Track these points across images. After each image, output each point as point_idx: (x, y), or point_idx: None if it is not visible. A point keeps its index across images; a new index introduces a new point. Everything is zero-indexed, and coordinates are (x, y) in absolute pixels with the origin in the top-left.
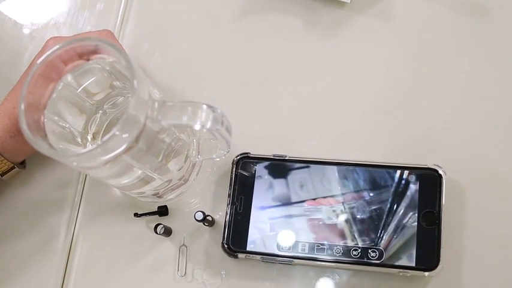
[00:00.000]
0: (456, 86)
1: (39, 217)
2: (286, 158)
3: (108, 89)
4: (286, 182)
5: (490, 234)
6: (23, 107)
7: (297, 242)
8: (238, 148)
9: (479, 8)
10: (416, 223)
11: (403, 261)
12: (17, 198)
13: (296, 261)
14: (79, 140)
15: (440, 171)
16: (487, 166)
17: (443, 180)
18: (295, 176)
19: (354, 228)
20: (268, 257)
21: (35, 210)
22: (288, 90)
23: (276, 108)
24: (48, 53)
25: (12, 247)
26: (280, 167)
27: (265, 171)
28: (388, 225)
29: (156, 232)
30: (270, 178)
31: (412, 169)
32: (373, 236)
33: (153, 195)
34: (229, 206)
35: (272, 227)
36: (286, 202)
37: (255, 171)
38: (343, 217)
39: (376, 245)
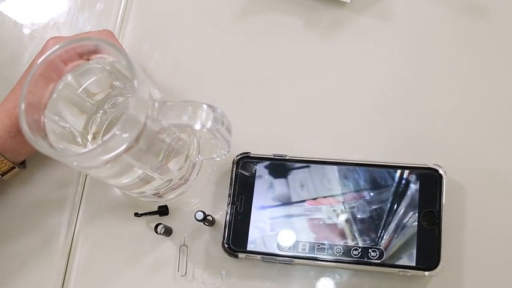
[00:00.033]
0: (456, 86)
1: (40, 217)
2: (287, 157)
3: (108, 89)
4: (287, 182)
5: (490, 234)
6: (23, 107)
7: (297, 242)
8: (239, 148)
9: (479, 8)
10: (416, 223)
11: (403, 261)
12: (18, 198)
13: (296, 261)
14: (79, 139)
15: (441, 171)
16: (487, 166)
17: (444, 180)
18: (295, 176)
19: (354, 227)
20: (268, 256)
21: (35, 210)
22: (288, 90)
23: (276, 108)
24: (48, 53)
25: (12, 247)
26: (280, 167)
27: (266, 171)
28: (389, 224)
29: (157, 232)
30: (270, 178)
31: (412, 169)
32: (373, 235)
33: (154, 195)
34: (230, 205)
35: (272, 227)
36: (287, 202)
37: (256, 171)
38: (343, 217)
39: (377, 244)
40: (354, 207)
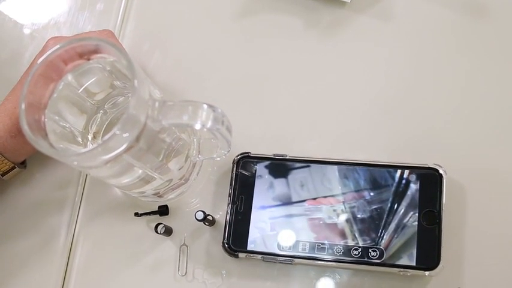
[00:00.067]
0: (456, 86)
1: (40, 217)
2: (287, 157)
3: (108, 89)
4: (287, 182)
5: (490, 233)
6: (23, 106)
7: (297, 242)
8: (239, 148)
9: (480, 8)
10: (416, 222)
11: (403, 261)
12: (18, 198)
13: (297, 260)
14: (80, 139)
15: (441, 171)
16: (487, 166)
17: (444, 180)
18: (295, 176)
19: (355, 227)
20: (268, 256)
21: (35, 210)
22: (288, 90)
23: (276, 108)
24: (48, 52)
25: (12, 247)
26: (280, 167)
27: (266, 171)
28: (389, 224)
29: (157, 232)
30: (271, 178)
31: (412, 168)
32: (373, 235)
33: (154, 194)
34: (230, 205)
35: (273, 227)
36: (287, 202)
37: (256, 170)
38: (343, 216)
39: (377, 244)
40: (354, 207)
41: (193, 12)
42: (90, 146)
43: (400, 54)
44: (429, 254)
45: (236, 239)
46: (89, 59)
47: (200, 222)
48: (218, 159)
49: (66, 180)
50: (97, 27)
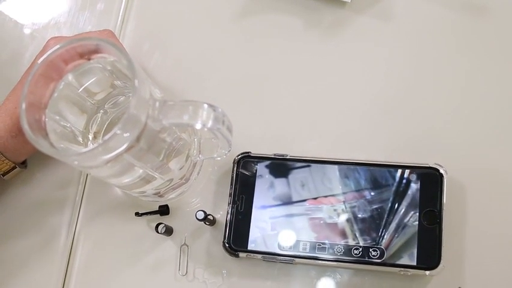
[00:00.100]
0: (456, 86)
1: (41, 217)
2: (287, 157)
3: (109, 89)
4: (287, 181)
5: (491, 233)
6: (24, 106)
7: (298, 241)
8: (239, 147)
9: (479, 8)
10: (417, 222)
11: (404, 260)
12: (18, 198)
13: (297, 260)
14: (80, 139)
15: (441, 170)
16: (487, 165)
17: (444, 179)
18: (296, 175)
19: (355, 227)
20: (269, 256)
21: (36, 209)
22: (288, 90)
23: (277, 108)
24: (49, 52)
25: (13, 247)
26: (281, 166)
27: (266, 171)
28: (389, 224)
29: (157, 231)
30: (271, 177)
31: (413, 168)
32: (374, 235)
33: (154, 194)
34: (230, 205)
35: (273, 226)
36: (287, 201)
37: (256, 170)
38: (344, 216)
39: (377, 244)
40: (354, 206)
41: (194, 12)
42: (90, 146)
43: (400, 54)
44: (430, 254)
45: (237, 238)
46: (89, 59)
47: (201, 222)
48: (219, 159)
49: (67, 180)
50: (97, 27)
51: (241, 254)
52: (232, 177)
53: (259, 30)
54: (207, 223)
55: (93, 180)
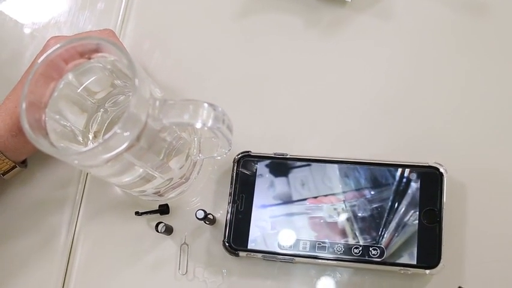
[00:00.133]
0: (456, 86)
1: (41, 216)
2: (287, 156)
3: (109, 88)
4: (287, 181)
5: (491, 232)
6: (24, 106)
7: (298, 240)
8: (239, 147)
9: (480, 7)
10: (417, 221)
11: (404, 259)
12: (18, 198)
13: (297, 259)
14: (80, 138)
15: (442, 169)
16: (487, 165)
17: (444, 178)
18: (296, 175)
19: (355, 226)
20: (269, 255)
21: (36, 209)
22: (288, 89)
23: (277, 108)
24: (49, 52)
25: (13, 246)
26: (281, 166)
27: (266, 170)
28: (389, 223)
29: (157, 231)
30: (271, 176)
31: (413, 167)
32: (374, 234)
33: (154, 193)
34: (230, 204)
35: (273, 225)
36: (287, 200)
37: (256, 169)
38: (344, 215)
39: (377, 243)
40: (354, 205)
41: (194, 12)
42: (90, 145)
43: (400, 54)
44: (430, 253)
45: (237, 237)
46: (89, 58)
47: (201, 221)
48: (219, 158)
49: (67, 179)
50: (97, 27)
51: (241, 253)
52: (232, 176)
53: (259, 29)
54: (207, 222)
55: (93, 179)
